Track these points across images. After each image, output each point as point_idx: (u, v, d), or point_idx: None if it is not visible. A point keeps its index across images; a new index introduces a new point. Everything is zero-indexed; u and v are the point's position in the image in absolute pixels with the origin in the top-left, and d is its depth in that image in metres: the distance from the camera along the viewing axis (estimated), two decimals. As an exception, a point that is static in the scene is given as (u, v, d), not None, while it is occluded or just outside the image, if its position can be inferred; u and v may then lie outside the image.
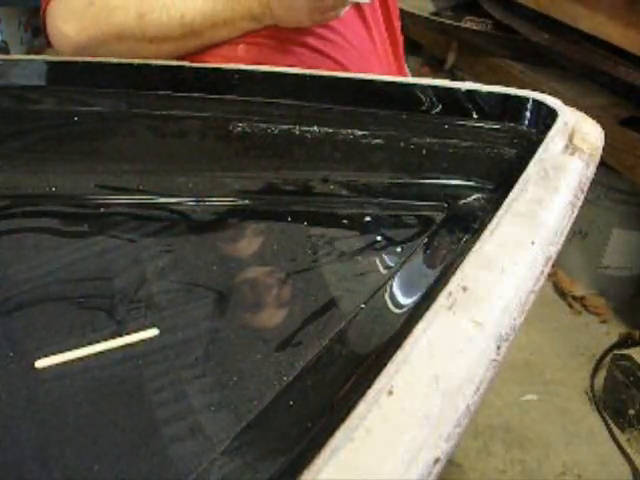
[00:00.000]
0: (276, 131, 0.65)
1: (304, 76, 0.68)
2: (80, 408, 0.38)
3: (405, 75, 0.92)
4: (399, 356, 0.32)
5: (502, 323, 0.35)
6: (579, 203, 0.48)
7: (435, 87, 0.66)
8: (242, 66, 0.69)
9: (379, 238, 0.53)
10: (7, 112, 0.68)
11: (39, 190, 0.57)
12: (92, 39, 0.72)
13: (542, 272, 0.40)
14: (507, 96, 0.64)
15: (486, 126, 0.64)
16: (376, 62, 0.83)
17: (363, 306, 0.45)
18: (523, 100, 0.63)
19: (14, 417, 0.37)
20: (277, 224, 0.57)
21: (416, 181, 0.61)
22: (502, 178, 0.58)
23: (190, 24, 0.71)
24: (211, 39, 0.74)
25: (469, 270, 0.38)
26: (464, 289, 0.37)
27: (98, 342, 0.41)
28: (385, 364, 0.32)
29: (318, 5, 0.70)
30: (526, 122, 0.64)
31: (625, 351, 1.42)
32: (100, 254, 0.51)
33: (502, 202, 0.45)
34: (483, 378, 0.32)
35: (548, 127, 0.56)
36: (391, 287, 0.47)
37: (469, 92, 0.65)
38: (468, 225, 0.53)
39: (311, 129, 0.65)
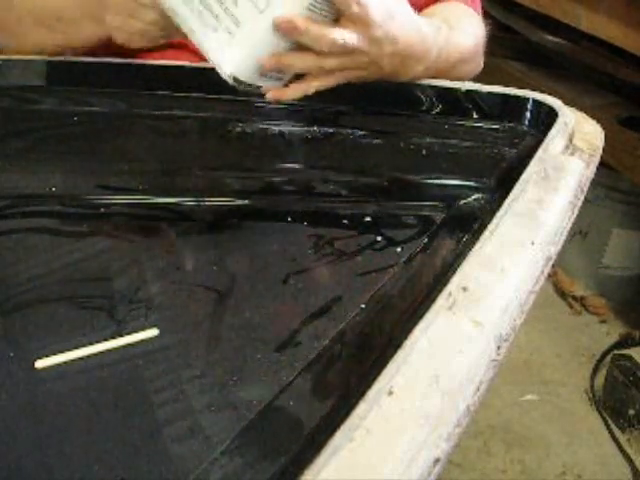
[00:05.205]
0: (276, 131, 0.65)
1: (304, 76, 0.67)
2: (80, 408, 0.38)
3: None
4: (399, 356, 0.32)
5: (502, 323, 0.35)
6: (579, 203, 0.48)
7: (435, 87, 0.66)
8: (242, 66, 0.69)
9: (379, 238, 0.53)
10: (7, 112, 0.68)
11: (39, 190, 0.57)
12: None
13: (542, 272, 0.40)
14: (507, 96, 0.64)
15: (486, 126, 0.65)
16: None
17: (363, 306, 0.45)
18: (523, 100, 0.63)
19: (14, 417, 0.37)
20: (277, 224, 0.57)
21: (416, 181, 0.62)
22: (502, 178, 0.58)
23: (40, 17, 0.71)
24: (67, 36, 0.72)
25: (469, 270, 0.38)
26: (464, 289, 0.37)
27: (98, 342, 0.41)
28: (385, 364, 0.32)
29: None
30: (526, 122, 0.64)
31: (625, 351, 1.42)
32: (100, 254, 0.51)
33: (502, 202, 0.45)
34: (483, 378, 0.32)
35: (548, 127, 0.56)
36: (391, 287, 0.47)
37: (469, 92, 0.65)
38: (468, 225, 0.53)
39: (311, 129, 0.65)
